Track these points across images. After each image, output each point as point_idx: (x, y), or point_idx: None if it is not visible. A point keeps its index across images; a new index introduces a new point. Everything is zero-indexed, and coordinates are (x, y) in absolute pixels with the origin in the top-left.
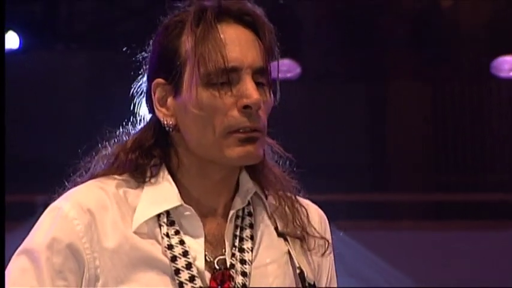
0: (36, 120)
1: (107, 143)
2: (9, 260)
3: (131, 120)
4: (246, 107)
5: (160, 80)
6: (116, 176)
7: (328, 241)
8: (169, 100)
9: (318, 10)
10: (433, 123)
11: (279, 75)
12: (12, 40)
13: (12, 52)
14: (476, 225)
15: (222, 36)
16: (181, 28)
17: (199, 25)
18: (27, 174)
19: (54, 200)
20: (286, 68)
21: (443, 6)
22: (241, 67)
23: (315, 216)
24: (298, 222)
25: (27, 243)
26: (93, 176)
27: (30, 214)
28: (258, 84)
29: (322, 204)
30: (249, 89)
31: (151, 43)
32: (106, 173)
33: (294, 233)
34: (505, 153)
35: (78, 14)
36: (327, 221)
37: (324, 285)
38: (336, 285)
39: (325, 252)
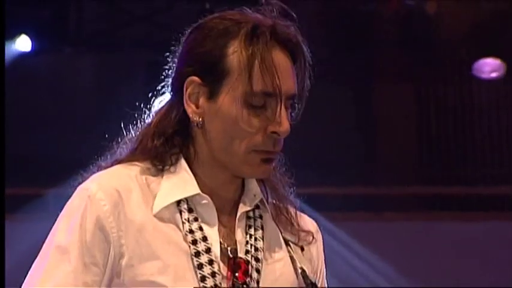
0: (46, 118)
1: (130, 127)
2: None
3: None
4: (274, 132)
5: (195, 78)
6: (137, 163)
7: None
8: (202, 100)
9: (312, 17)
10: (418, 121)
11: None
12: (24, 43)
13: (25, 54)
14: (459, 216)
15: (272, 61)
16: (230, 38)
17: (253, 42)
18: (37, 169)
19: (64, 191)
20: None
21: (428, 12)
22: (280, 93)
23: (310, 225)
24: (296, 229)
25: (60, 223)
26: (117, 161)
27: (45, 206)
28: (286, 109)
29: (316, 197)
30: (284, 118)
31: (186, 40)
32: (129, 159)
33: (295, 240)
34: (485, 149)
35: (85, 19)
36: (320, 234)
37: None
38: None
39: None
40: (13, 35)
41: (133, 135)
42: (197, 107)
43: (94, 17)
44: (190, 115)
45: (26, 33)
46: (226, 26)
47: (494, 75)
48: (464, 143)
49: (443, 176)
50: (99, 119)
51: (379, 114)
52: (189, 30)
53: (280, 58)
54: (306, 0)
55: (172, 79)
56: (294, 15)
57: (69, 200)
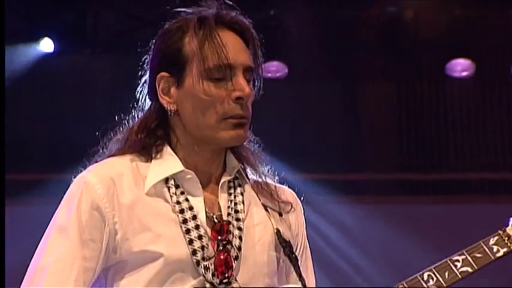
0: (66, 112)
1: (119, 128)
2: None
3: (135, 108)
4: (238, 98)
5: (164, 73)
6: (127, 155)
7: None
8: (172, 90)
9: (302, 21)
10: (398, 115)
11: (270, 74)
12: (48, 45)
13: (48, 55)
14: (434, 199)
15: (220, 39)
16: (183, 32)
17: (200, 29)
18: (56, 156)
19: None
20: (276, 68)
21: (406, 17)
22: (235, 65)
23: (289, 196)
24: (275, 199)
25: (60, 208)
26: (110, 155)
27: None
28: (246, 81)
29: (309, 182)
30: (242, 83)
31: (153, 45)
32: (120, 152)
33: (273, 207)
34: (457, 141)
35: (102, 24)
36: (299, 201)
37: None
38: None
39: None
40: (37, 38)
41: (121, 134)
42: (170, 97)
43: (110, 22)
44: (166, 105)
45: (49, 36)
46: (179, 25)
47: (464, 74)
48: (437, 134)
49: (420, 164)
50: (113, 114)
51: (364, 109)
52: (159, 33)
53: (228, 37)
54: (298, 8)
55: (148, 80)
56: (236, 6)
57: (69, 189)
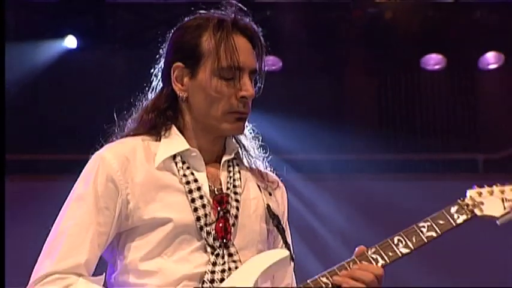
0: (87, 101)
1: (132, 112)
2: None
3: (149, 90)
4: (243, 97)
5: (179, 63)
6: (139, 136)
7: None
8: (185, 79)
9: (295, 21)
10: (378, 103)
11: (266, 68)
12: (71, 42)
13: (71, 51)
14: (409, 176)
15: (234, 44)
16: (201, 30)
17: (218, 31)
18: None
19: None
20: (271, 62)
21: (385, 18)
22: (243, 67)
23: (275, 179)
24: (265, 180)
25: (79, 180)
26: (124, 135)
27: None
28: (250, 81)
29: (301, 160)
30: (247, 85)
31: (170, 36)
32: (133, 133)
33: (263, 186)
34: (430, 125)
35: (119, 23)
36: (285, 192)
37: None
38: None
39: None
40: (62, 35)
41: (135, 115)
42: (182, 85)
43: (126, 22)
44: (178, 92)
45: (73, 34)
46: (198, 23)
47: (437, 67)
48: (413, 119)
49: (398, 145)
50: (128, 100)
51: (349, 98)
52: (175, 28)
53: (241, 41)
54: (291, 10)
55: (161, 68)
56: (248, 12)
57: (87, 164)
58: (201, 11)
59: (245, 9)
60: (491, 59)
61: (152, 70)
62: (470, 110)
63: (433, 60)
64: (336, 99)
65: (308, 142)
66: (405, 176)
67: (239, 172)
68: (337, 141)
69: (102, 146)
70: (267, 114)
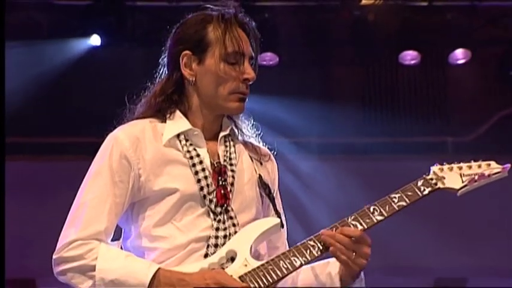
0: (109, 90)
1: (142, 96)
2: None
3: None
4: (246, 79)
5: (187, 52)
6: (148, 118)
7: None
8: (194, 65)
9: (290, 21)
10: (362, 93)
11: (265, 63)
12: (95, 40)
13: (96, 48)
14: (389, 157)
15: (237, 33)
16: (206, 23)
17: (222, 23)
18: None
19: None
20: (269, 58)
21: (369, 19)
22: (245, 54)
23: (266, 151)
24: (257, 152)
25: (94, 161)
26: (134, 118)
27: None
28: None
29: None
30: (248, 68)
31: (175, 30)
32: (142, 116)
33: (256, 158)
34: (407, 112)
35: (137, 23)
36: (275, 164)
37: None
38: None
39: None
40: (88, 34)
41: (144, 99)
42: (191, 70)
43: (143, 22)
44: (187, 76)
45: (97, 33)
46: (204, 16)
47: (413, 62)
48: (392, 106)
49: (380, 129)
50: (143, 91)
51: (337, 88)
52: (179, 23)
53: (240, 33)
54: (286, 12)
55: (169, 56)
56: (243, 10)
57: (102, 144)
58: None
59: (240, 6)
60: (459, 55)
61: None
62: (441, 99)
63: (409, 56)
64: (325, 89)
65: (300, 125)
66: (385, 156)
67: (234, 146)
68: (325, 124)
69: (115, 127)
70: (265, 101)
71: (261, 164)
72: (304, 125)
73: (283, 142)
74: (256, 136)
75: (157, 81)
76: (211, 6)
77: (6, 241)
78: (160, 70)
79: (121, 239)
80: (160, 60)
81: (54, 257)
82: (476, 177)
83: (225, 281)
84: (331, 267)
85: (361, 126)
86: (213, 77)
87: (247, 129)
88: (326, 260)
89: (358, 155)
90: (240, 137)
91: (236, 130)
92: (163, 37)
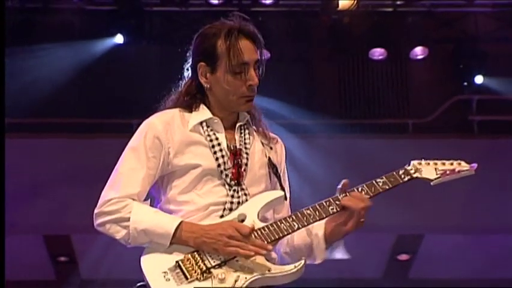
0: (130, 80)
1: (170, 93)
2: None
3: (182, 79)
4: (250, 85)
5: (202, 63)
6: (177, 108)
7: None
8: (208, 75)
9: (279, 23)
10: (339, 84)
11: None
12: (119, 39)
13: (119, 46)
14: (360, 136)
15: (240, 46)
16: (216, 38)
17: (228, 38)
18: (126, 109)
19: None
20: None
21: (344, 21)
22: (249, 62)
23: (275, 137)
24: (267, 138)
25: (132, 139)
26: (166, 108)
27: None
28: (255, 70)
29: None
30: (253, 76)
31: (194, 41)
32: (173, 106)
33: (266, 143)
34: (375, 99)
35: (154, 24)
36: (283, 146)
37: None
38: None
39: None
40: (113, 34)
41: (174, 95)
42: (206, 78)
43: (158, 24)
44: (203, 84)
45: (121, 33)
46: (213, 32)
47: (380, 57)
48: (364, 95)
49: (354, 113)
50: (163, 86)
51: (317, 80)
52: (197, 34)
53: (245, 43)
54: (276, 16)
55: (191, 64)
56: (249, 18)
57: (140, 126)
58: (216, 22)
59: (247, 17)
60: (419, 52)
61: (179, 62)
62: (403, 88)
63: (378, 53)
64: (307, 79)
65: (286, 111)
66: (358, 136)
67: (248, 133)
68: (308, 110)
69: (150, 114)
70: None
71: (271, 148)
72: (289, 110)
73: (271, 123)
74: (266, 125)
75: (183, 81)
76: (224, 21)
77: (44, 203)
78: (183, 73)
79: (149, 201)
80: (184, 63)
81: (95, 211)
82: (448, 171)
83: (238, 226)
84: (317, 229)
85: (337, 110)
86: (222, 86)
87: (260, 120)
88: (313, 225)
89: (335, 134)
90: (253, 126)
91: (250, 121)
92: (176, 37)
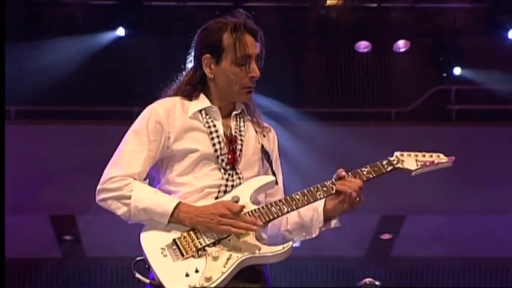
0: (131, 70)
1: (171, 82)
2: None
3: (184, 70)
4: (252, 77)
5: (207, 55)
6: (178, 96)
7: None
8: (212, 66)
9: (271, 18)
10: (326, 74)
11: None
12: (121, 32)
13: (121, 38)
14: (347, 123)
15: (245, 40)
16: (222, 31)
17: (234, 32)
18: (127, 97)
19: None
20: None
21: (332, 16)
22: (251, 55)
23: (267, 126)
24: (261, 126)
25: (135, 122)
26: (168, 96)
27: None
28: (256, 63)
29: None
30: (255, 68)
31: (198, 35)
32: (174, 95)
33: (260, 131)
34: (361, 88)
35: (153, 18)
36: (275, 134)
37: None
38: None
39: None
40: (115, 27)
41: (176, 84)
42: (210, 69)
43: (157, 18)
44: (208, 74)
45: (122, 26)
46: (219, 26)
47: (365, 50)
48: (349, 84)
49: (340, 101)
50: (161, 76)
51: (305, 71)
52: (201, 29)
53: (248, 38)
54: (268, 11)
55: (195, 55)
56: (251, 17)
57: (142, 112)
58: (220, 18)
59: (249, 14)
60: (401, 45)
61: (176, 53)
62: (387, 79)
63: (363, 46)
64: (297, 70)
65: (276, 99)
66: (343, 123)
67: (243, 122)
68: (297, 99)
69: (153, 101)
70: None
71: (264, 136)
72: (279, 98)
73: (262, 112)
74: (260, 114)
75: (185, 72)
76: (228, 17)
77: (51, 186)
78: (186, 64)
79: (148, 181)
80: (187, 55)
81: (98, 187)
82: (427, 163)
83: (230, 205)
84: (317, 204)
85: (324, 99)
86: (227, 77)
87: (254, 110)
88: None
89: (322, 121)
90: (248, 116)
91: (245, 110)
92: (173, 30)
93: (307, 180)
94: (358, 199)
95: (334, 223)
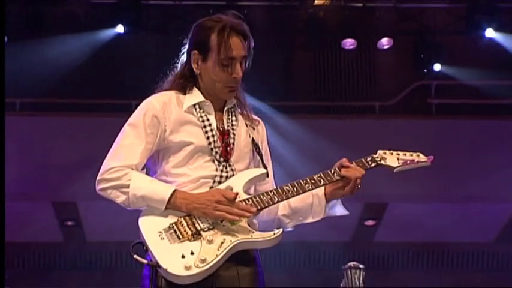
0: (129, 65)
1: (166, 76)
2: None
3: (177, 62)
4: (235, 78)
5: (196, 51)
6: (173, 90)
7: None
8: (199, 62)
9: (262, 16)
10: (314, 70)
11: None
12: (120, 29)
13: (120, 35)
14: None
15: (230, 42)
16: (211, 31)
17: (220, 34)
18: (126, 91)
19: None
20: None
21: (320, 15)
22: (236, 57)
23: (257, 119)
24: (251, 120)
25: (133, 116)
26: (163, 90)
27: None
28: (241, 64)
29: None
30: (238, 70)
31: (192, 31)
32: (169, 89)
33: (250, 124)
34: (348, 83)
35: (151, 16)
36: (264, 127)
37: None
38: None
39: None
40: (115, 25)
41: (171, 76)
42: (197, 65)
43: (154, 16)
44: (194, 69)
45: (121, 23)
46: (210, 25)
47: (351, 47)
48: (336, 79)
49: (326, 96)
50: (158, 71)
51: (295, 66)
52: (195, 24)
53: (235, 39)
54: (259, 10)
55: (187, 51)
56: (242, 17)
57: (139, 105)
58: (213, 16)
59: (241, 16)
60: (385, 42)
61: (173, 50)
62: (371, 74)
63: (349, 43)
64: (287, 66)
65: (266, 93)
66: (330, 116)
67: (235, 116)
68: (286, 92)
69: (150, 95)
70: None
71: (254, 129)
72: (269, 92)
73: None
74: (250, 108)
75: (179, 65)
76: (222, 16)
77: (53, 175)
78: (180, 56)
79: (145, 172)
80: (182, 48)
81: (98, 178)
82: (408, 161)
83: (226, 192)
84: (316, 190)
85: (312, 93)
86: (210, 75)
87: (245, 104)
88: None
89: (310, 114)
90: (239, 109)
91: (237, 104)
92: (169, 28)
93: (292, 170)
94: (359, 186)
95: (340, 211)
